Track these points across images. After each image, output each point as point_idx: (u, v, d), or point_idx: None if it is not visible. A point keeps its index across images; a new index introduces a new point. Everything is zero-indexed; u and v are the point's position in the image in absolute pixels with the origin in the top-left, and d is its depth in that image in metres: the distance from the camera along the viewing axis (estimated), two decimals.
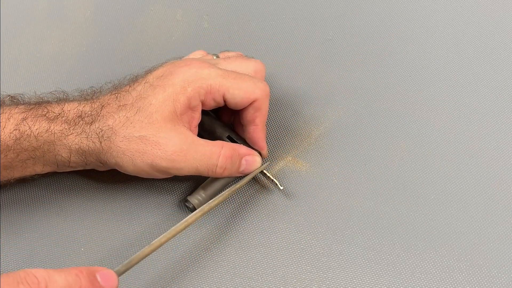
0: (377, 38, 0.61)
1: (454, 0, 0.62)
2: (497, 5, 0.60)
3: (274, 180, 0.52)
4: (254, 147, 0.52)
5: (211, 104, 0.50)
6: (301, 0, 0.64)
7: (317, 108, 0.57)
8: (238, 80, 0.49)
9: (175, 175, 0.49)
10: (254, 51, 0.61)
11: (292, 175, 0.53)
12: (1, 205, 0.54)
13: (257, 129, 0.51)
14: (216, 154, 0.48)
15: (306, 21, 0.63)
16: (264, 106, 0.50)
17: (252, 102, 0.50)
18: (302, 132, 0.56)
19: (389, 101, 0.56)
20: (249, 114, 0.51)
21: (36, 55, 0.65)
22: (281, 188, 0.52)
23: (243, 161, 0.50)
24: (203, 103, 0.49)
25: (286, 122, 0.57)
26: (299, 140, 0.56)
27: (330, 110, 0.57)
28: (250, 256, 0.50)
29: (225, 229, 0.51)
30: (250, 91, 0.49)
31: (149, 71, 0.50)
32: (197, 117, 0.50)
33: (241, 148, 0.50)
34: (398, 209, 0.51)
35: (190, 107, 0.49)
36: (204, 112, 0.52)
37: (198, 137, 0.49)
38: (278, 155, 0.55)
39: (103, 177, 0.54)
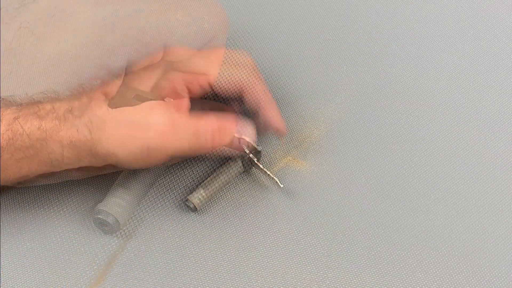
0: (377, 37, 0.60)
1: (454, 0, 0.62)
2: (498, 5, 0.60)
3: (274, 178, 0.52)
4: (271, 129, 0.52)
5: (197, 90, 0.51)
6: (301, 0, 0.64)
7: (317, 108, 0.57)
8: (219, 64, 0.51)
9: (171, 163, 0.50)
10: (254, 51, 0.61)
11: (292, 175, 0.53)
12: (1, 205, 0.54)
13: (263, 111, 0.51)
14: (203, 127, 0.48)
15: (306, 21, 0.63)
16: (255, 87, 0.51)
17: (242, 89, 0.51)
18: (302, 132, 0.56)
19: (389, 101, 0.56)
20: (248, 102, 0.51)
21: (36, 55, 0.65)
22: (281, 186, 0.52)
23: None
24: (189, 90, 0.51)
25: (286, 122, 0.56)
26: (299, 140, 0.56)
27: (330, 110, 0.57)
28: (250, 256, 0.50)
29: (225, 228, 0.51)
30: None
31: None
32: (185, 104, 0.50)
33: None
34: (398, 209, 0.50)
35: (175, 92, 0.50)
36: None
37: (187, 115, 0.49)
38: (278, 155, 0.55)
39: (103, 177, 0.53)
